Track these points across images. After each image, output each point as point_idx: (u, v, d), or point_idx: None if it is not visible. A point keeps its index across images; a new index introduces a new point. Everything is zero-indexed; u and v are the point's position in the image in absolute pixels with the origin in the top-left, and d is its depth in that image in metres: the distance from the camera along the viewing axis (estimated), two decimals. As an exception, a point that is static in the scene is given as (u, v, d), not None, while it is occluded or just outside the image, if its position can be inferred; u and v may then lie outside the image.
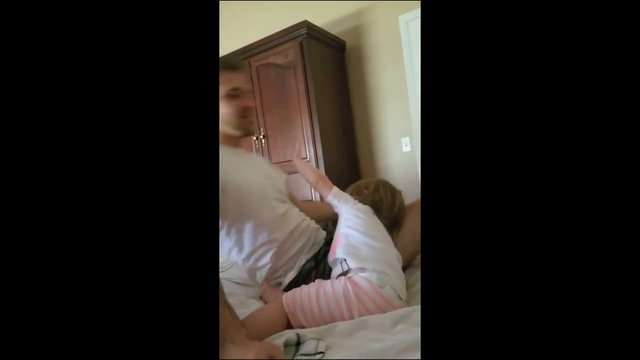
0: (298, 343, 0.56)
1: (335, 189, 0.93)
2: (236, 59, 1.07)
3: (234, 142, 1.02)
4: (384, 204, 0.92)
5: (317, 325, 0.65)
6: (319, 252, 0.93)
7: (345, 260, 0.74)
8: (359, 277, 0.68)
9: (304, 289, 0.70)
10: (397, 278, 0.71)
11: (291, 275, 0.90)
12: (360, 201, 0.92)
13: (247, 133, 1.03)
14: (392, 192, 0.97)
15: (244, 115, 0.99)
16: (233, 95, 0.96)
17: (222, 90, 0.95)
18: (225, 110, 0.96)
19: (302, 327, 0.66)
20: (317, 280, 0.73)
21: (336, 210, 0.92)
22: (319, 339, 0.55)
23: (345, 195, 0.92)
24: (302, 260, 0.91)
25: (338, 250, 0.77)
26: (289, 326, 0.67)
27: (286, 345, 0.55)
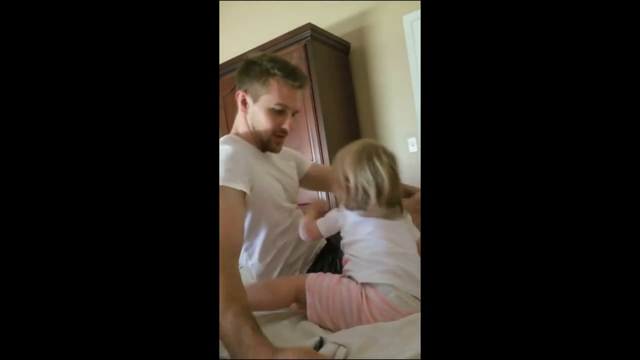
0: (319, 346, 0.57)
1: (320, 223, 0.85)
2: (304, 74, 0.90)
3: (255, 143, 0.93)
4: (370, 193, 0.72)
5: (329, 315, 0.69)
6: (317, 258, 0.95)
7: (351, 277, 0.74)
8: (368, 291, 0.70)
9: (327, 277, 0.73)
10: (406, 283, 0.70)
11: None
12: (346, 199, 0.77)
13: (271, 151, 0.94)
14: (375, 172, 0.73)
15: (277, 135, 0.90)
16: (279, 110, 0.86)
17: (272, 100, 0.85)
18: (262, 120, 0.87)
19: (314, 310, 0.71)
20: (338, 276, 0.74)
21: (340, 229, 0.82)
22: (339, 344, 0.56)
23: (327, 214, 0.85)
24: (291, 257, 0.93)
25: (345, 268, 0.78)
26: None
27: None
